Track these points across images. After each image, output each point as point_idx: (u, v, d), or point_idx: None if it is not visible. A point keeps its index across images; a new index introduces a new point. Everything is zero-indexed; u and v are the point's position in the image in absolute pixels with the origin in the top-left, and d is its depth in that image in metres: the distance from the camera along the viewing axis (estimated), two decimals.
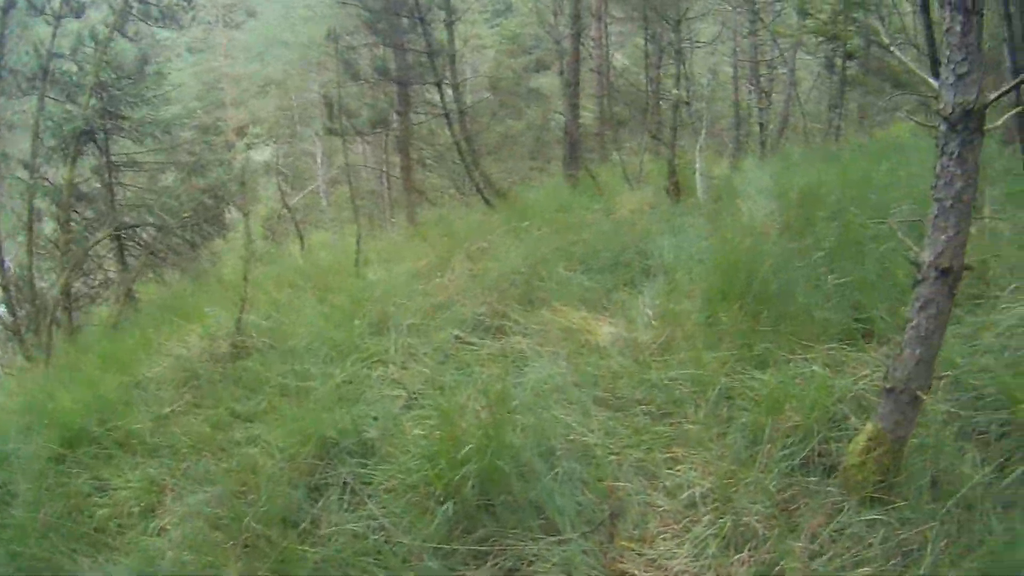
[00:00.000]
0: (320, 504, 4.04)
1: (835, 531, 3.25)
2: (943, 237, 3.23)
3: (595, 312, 5.81)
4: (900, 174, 7.11)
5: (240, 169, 16.61)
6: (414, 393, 4.87)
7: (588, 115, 18.64)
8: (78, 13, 13.21)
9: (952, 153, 3.17)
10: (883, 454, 3.37)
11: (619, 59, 20.01)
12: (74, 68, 13.08)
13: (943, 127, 3.20)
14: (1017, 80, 3.44)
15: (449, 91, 14.08)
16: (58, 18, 13.01)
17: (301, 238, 13.35)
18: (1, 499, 4.83)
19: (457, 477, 3.67)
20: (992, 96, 3.19)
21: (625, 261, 6.71)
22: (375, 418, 4.57)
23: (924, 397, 3.34)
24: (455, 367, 5.20)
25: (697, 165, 9.49)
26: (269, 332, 6.36)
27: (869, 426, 3.46)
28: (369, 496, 3.96)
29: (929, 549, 3.03)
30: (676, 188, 9.44)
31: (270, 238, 20.32)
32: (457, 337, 5.79)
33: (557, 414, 4.22)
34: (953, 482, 3.34)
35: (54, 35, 13.00)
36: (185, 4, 14.37)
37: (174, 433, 5.16)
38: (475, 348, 5.55)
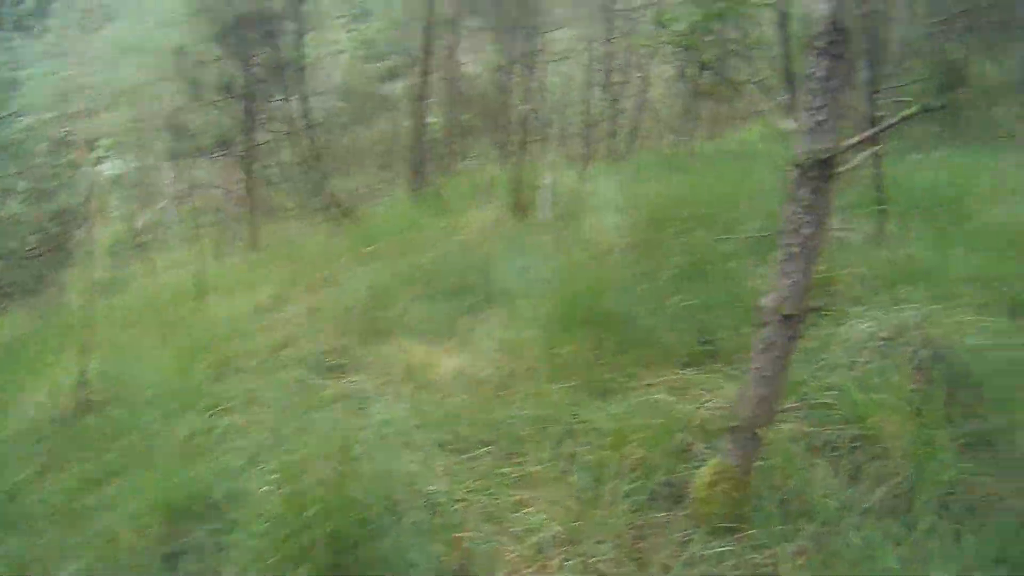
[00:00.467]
0: (178, 572, 3.88)
1: (686, 564, 3.25)
2: (788, 283, 3.20)
3: (438, 344, 5.75)
4: (750, 184, 7.23)
5: (87, 194, 15.71)
6: (259, 445, 4.69)
7: (439, 121, 18.53)
8: None
9: (802, 200, 3.12)
10: (729, 487, 3.39)
11: (473, 67, 19.95)
12: None
13: (795, 173, 3.14)
14: (876, 129, 3.47)
15: (298, 106, 13.79)
16: None
17: (151, 264, 12.84)
18: None
19: (307, 540, 3.53)
20: (848, 143, 3.17)
21: (469, 286, 6.66)
22: (220, 477, 4.39)
23: (765, 435, 3.37)
24: (299, 412, 5.05)
25: (544, 180, 9.44)
26: (114, 382, 6.07)
27: (714, 461, 3.49)
28: (229, 562, 3.78)
29: (782, 569, 3.07)
30: (522, 205, 9.33)
31: (118, 262, 19.49)
32: (300, 380, 5.65)
33: (401, 462, 4.12)
34: (805, 500, 3.40)
35: None
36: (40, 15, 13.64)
37: (25, 502, 4.90)
38: (318, 390, 5.43)
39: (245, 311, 7.43)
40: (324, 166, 14.63)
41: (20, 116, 13.91)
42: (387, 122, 19.41)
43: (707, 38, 12.87)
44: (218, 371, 5.95)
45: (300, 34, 13.68)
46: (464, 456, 4.20)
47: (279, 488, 3.92)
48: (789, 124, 3.38)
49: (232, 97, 14.11)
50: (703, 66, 13.69)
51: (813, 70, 3.05)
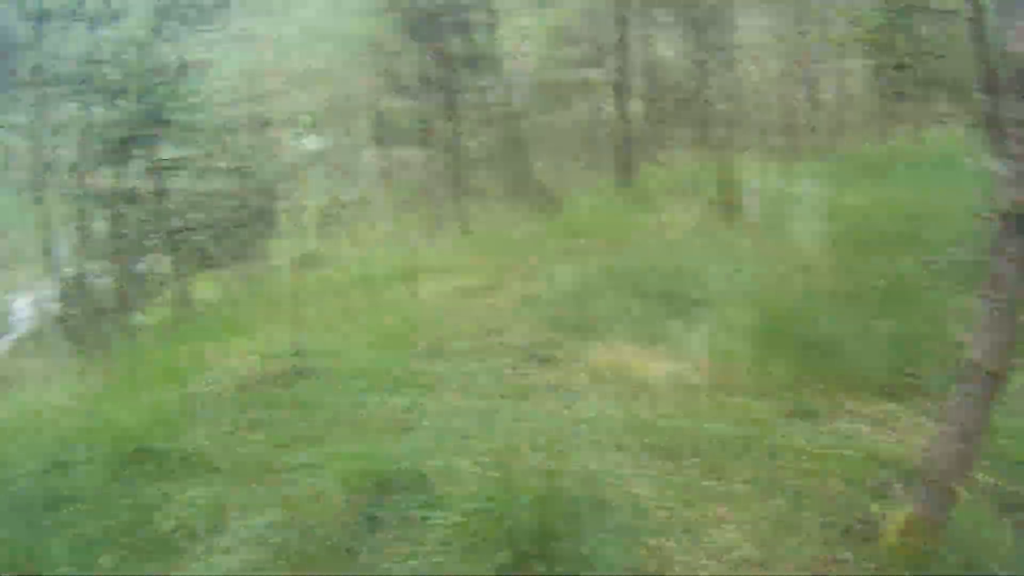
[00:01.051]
0: (378, 536, 4.03)
1: None
2: (992, 339, 3.06)
3: (646, 345, 5.76)
4: (953, 200, 6.82)
5: (289, 168, 16.42)
6: (468, 427, 4.83)
7: (637, 110, 18.34)
8: (115, 18, 13.36)
9: (1009, 255, 2.94)
10: (920, 538, 3.30)
11: (667, 57, 19.68)
12: (117, 74, 13.07)
13: (1000, 224, 2.95)
14: None
15: (494, 93, 14.01)
16: (95, 23, 13.31)
17: (356, 240, 13.18)
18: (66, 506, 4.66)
19: (512, 526, 3.66)
20: None
21: (676, 289, 6.62)
22: (430, 452, 4.56)
23: (961, 491, 3.28)
24: (509, 398, 5.19)
25: (751, 181, 9.31)
26: (324, 355, 6.31)
27: (907, 510, 3.41)
28: (431, 533, 3.91)
29: None
30: (728, 205, 9.18)
31: (321, 235, 20.20)
32: (509, 367, 5.79)
33: (609, 461, 4.19)
34: (990, 558, 3.28)
35: (94, 41, 13.37)
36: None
37: (236, 452, 5.10)
38: (527, 379, 5.55)
39: (454, 294, 7.65)
40: (526, 152, 14.79)
41: (213, 104, 14.69)
42: (584, 109, 19.32)
43: (900, 35, 12.42)
44: (428, 352, 6.12)
45: (491, 24, 13.88)
46: (670, 463, 4.23)
47: (489, 471, 4.09)
48: (993, 166, 2.98)
49: (428, 86, 14.46)
50: (898, 64, 13.18)
51: (1016, 115, 2.86)
